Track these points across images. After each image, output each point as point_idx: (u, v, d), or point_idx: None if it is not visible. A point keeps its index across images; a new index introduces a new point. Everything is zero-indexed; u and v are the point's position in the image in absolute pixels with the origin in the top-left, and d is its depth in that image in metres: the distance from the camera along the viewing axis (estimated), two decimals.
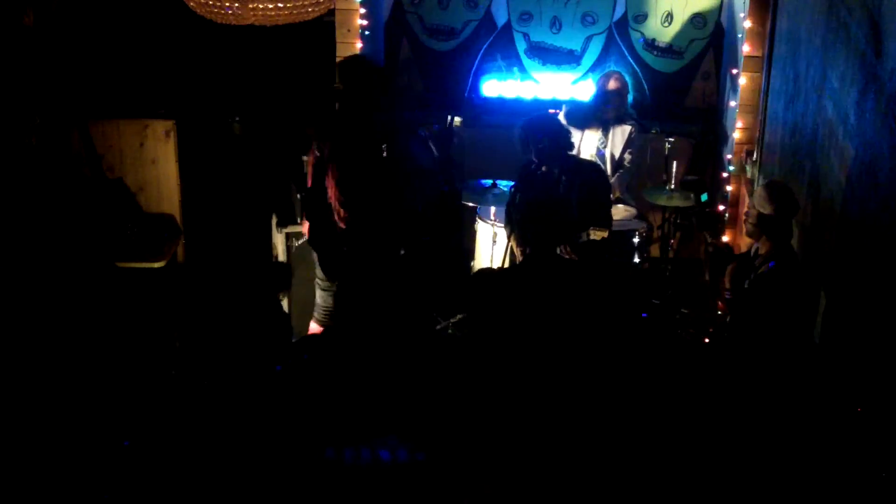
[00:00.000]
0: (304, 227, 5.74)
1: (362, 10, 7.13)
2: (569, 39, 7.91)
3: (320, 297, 5.72)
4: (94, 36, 6.27)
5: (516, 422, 4.05)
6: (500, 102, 8.02)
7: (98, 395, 4.17)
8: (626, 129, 6.58)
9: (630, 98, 7.87)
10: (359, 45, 7.10)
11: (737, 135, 6.53)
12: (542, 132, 5.57)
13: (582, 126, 6.62)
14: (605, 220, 5.38)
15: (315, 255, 5.73)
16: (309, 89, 6.80)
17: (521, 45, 8.00)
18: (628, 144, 6.58)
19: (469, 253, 6.51)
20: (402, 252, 5.46)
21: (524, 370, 4.20)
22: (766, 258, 4.47)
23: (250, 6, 4.28)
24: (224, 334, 4.49)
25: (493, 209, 6.11)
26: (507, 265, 5.53)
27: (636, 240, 6.09)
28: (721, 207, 6.80)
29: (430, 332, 4.46)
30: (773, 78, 6.04)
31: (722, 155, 7.00)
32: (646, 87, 7.94)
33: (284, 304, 5.83)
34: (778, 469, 3.66)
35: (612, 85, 6.66)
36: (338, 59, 6.03)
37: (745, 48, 6.35)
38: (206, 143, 6.42)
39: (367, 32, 7.25)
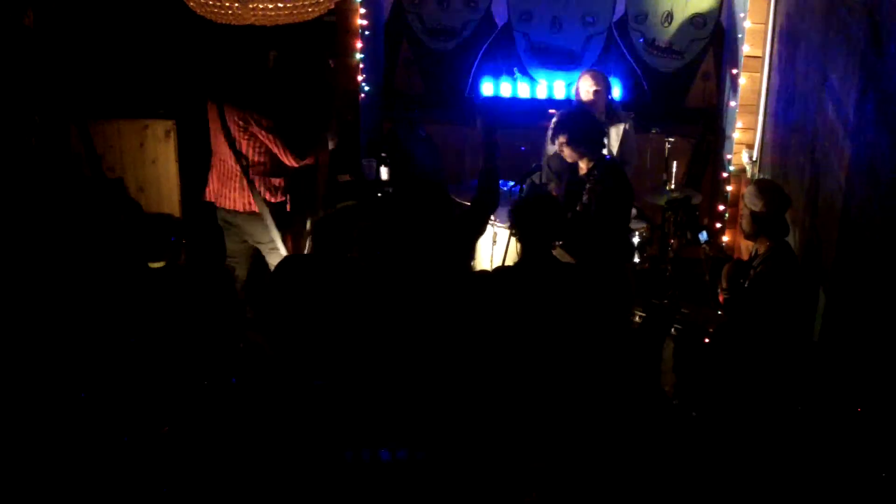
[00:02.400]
0: None
1: (362, 10, 7.13)
2: (569, 39, 7.92)
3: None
4: (95, 36, 6.27)
5: (512, 421, 4.05)
6: (500, 102, 8.03)
7: (98, 395, 4.17)
8: (621, 126, 6.47)
9: (629, 96, 7.88)
10: (359, 44, 7.11)
11: (737, 135, 6.53)
12: (575, 123, 5.48)
13: None
14: (583, 247, 5.25)
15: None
16: (309, 89, 6.79)
17: (521, 45, 8.00)
18: (625, 139, 6.48)
19: (469, 253, 6.50)
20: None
21: (516, 370, 4.20)
22: (764, 256, 4.48)
23: (250, 6, 4.28)
24: (225, 334, 4.49)
25: None
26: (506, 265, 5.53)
27: (636, 240, 6.08)
28: (721, 207, 6.80)
29: (430, 332, 4.45)
30: (773, 78, 6.04)
31: (722, 155, 6.99)
32: (646, 87, 7.94)
33: None
34: (778, 468, 3.66)
35: (588, 87, 6.49)
36: None
37: (745, 48, 6.34)
38: (207, 143, 6.41)
39: (367, 32, 7.26)
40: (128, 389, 4.21)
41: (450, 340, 4.37)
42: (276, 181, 5.49)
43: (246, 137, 5.37)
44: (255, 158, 5.42)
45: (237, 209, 5.46)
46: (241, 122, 5.33)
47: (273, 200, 5.49)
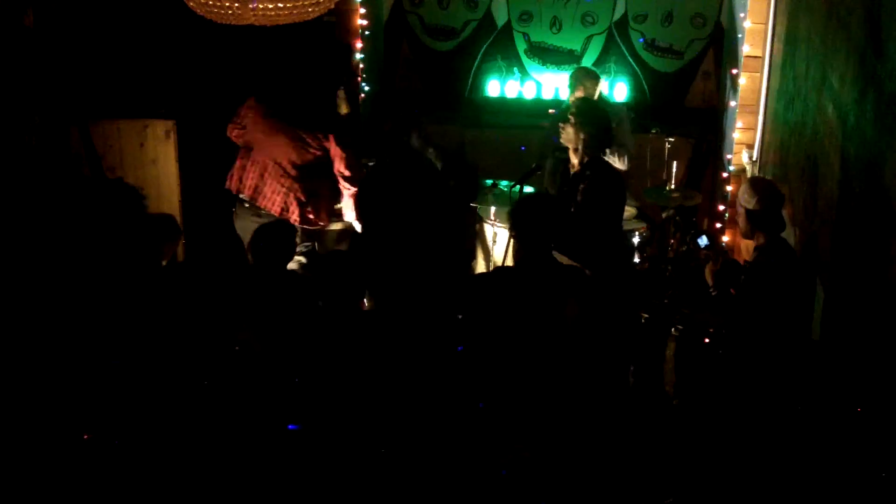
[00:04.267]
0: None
1: (362, 10, 7.14)
2: (569, 39, 7.92)
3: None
4: (95, 36, 6.27)
5: (512, 421, 4.06)
6: (501, 102, 8.04)
7: (97, 395, 4.17)
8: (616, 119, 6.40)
9: (629, 96, 7.88)
10: (359, 44, 7.11)
11: (737, 135, 6.52)
12: (591, 108, 5.50)
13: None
14: (577, 248, 5.23)
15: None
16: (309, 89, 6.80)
17: (521, 45, 8.00)
18: (619, 126, 6.41)
19: (469, 253, 6.51)
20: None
21: (515, 371, 4.19)
22: (759, 251, 4.48)
23: (250, 6, 4.28)
24: (225, 334, 4.49)
25: (493, 209, 6.10)
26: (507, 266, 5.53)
27: (636, 240, 6.08)
28: (721, 207, 6.80)
29: (431, 332, 4.45)
30: (773, 78, 6.04)
31: (722, 155, 6.99)
32: (646, 87, 7.95)
33: None
34: (777, 468, 3.66)
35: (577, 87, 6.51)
36: None
37: (745, 48, 6.34)
38: (206, 143, 6.41)
39: (367, 32, 7.26)
40: (125, 388, 4.21)
41: (450, 341, 4.37)
42: (316, 192, 5.67)
43: (315, 148, 5.55)
44: (308, 169, 5.58)
45: (274, 211, 5.58)
46: (319, 135, 5.53)
47: (310, 216, 5.63)
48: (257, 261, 4.79)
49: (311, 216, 5.63)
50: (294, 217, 5.58)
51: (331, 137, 5.55)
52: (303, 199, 5.59)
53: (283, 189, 5.57)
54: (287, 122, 5.56)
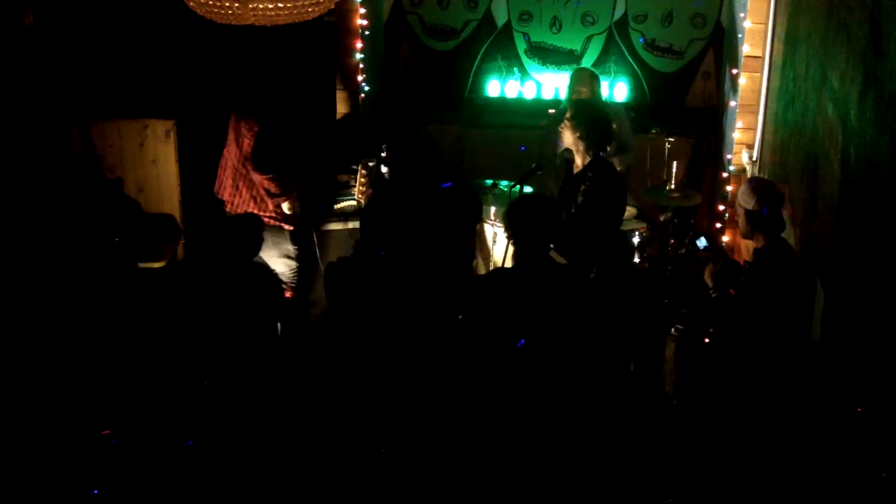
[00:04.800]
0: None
1: (362, 10, 7.14)
2: (569, 39, 7.92)
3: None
4: (95, 36, 6.27)
5: (511, 422, 4.06)
6: (501, 102, 8.03)
7: (96, 395, 4.17)
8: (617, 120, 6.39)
9: (629, 96, 7.88)
10: (359, 44, 7.11)
11: (737, 135, 6.52)
12: (587, 109, 5.51)
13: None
14: (570, 245, 5.19)
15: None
16: (309, 89, 6.80)
17: (521, 45, 8.00)
18: (620, 127, 6.40)
19: (469, 253, 6.50)
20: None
21: (515, 372, 4.20)
22: (759, 253, 4.49)
23: (250, 6, 4.28)
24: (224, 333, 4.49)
25: (493, 209, 6.10)
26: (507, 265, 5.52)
27: (636, 240, 6.08)
28: (721, 207, 6.80)
29: (429, 330, 4.46)
30: (773, 78, 6.04)
31: (722, 155, 6.99)
32: (646, 87, 7.94)
33: None
34: (777, 468, 3.66)
35: (574, 87, 6.52)
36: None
37: (745, 48, 6.34)
38: (206, 143, 6.41)
39: (367, 32, 7.26)
40: (125, 387, 4.22)
41: (449, 342, 4.37)
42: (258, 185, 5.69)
43: (248, 137, 5.57)
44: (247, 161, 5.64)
45: (225, 203, 5.74)
46: (249, 121, 5.56)
47: (252, 209, 5.67)
48: (221, 253, 4.80)
49: (253, 210, 5.67)
50: (238, 210, 5.69)
51: (258, 124, 5.55)
52: (244, 192, 5.70)
53: (232, 182, 5.72)
54: (237, 117, 5.65)
